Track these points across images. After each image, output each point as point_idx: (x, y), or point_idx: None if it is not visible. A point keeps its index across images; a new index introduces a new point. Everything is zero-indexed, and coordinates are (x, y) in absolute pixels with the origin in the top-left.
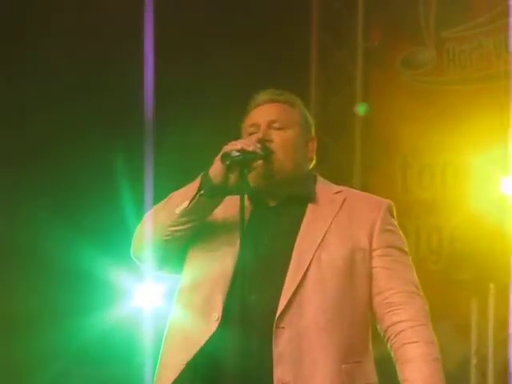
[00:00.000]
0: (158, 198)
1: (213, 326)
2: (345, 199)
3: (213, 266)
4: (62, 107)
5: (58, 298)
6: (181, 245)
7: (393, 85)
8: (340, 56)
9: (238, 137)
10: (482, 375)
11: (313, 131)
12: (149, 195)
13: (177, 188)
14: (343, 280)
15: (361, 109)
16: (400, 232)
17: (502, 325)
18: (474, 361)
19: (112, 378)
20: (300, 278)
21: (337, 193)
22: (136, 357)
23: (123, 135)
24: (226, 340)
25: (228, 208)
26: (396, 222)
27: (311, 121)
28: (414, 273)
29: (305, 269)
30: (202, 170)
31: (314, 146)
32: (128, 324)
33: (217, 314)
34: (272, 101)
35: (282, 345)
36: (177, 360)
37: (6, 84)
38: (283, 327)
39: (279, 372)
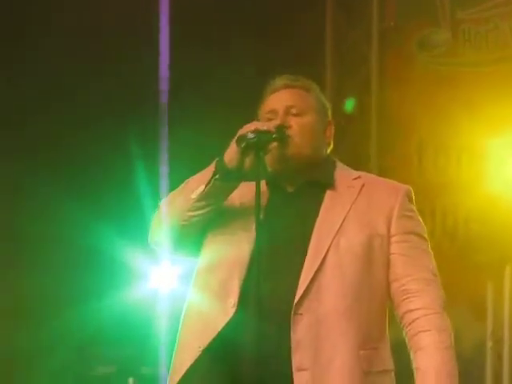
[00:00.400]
0: (172, 182)
1: (229, 311)
2: (363, 185)
3: (230, 251)
4: (75, 94)
5: (73, 279)
6: (198, 229)
7: (408, 66)
8: (355, 37)
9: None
10: (498, 357)
11: (330, 116)
12: (164, 178)
13: (191, 171)
14: (361, 266)
15: (348, 105)
16: (419, 218)
17: None
18: (489, 343)
19: (128, 360)
20: (318, 264)
21: (355, 178)
22: (151, 338)
23: (138, 120)
24: (242, 326)
25: (245, 193)
26: (415, 208)
27: (328, 105)
28: (433, 259)
29: (323, 255)
30: (216, 155)
31: (331, 130)
32: (144, 306)
33: (233, 300)
34: (288, 86)
35: (300, 331)
36: (193, 345)
37: (19, 73)
38: (301, 314)
39: (297, 358)
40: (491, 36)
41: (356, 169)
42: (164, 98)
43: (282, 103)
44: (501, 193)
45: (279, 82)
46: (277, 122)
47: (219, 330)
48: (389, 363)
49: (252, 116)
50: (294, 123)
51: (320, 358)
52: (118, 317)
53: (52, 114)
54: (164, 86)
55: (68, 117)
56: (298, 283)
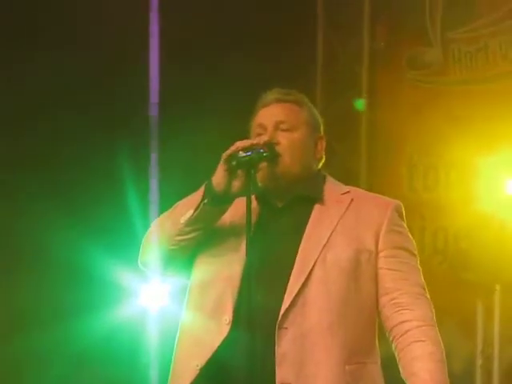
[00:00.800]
0: (163, 199)
1: (224, 329)
2: (352, 200)
3: (221, 269)
4: (64, 108)
5: (63, 297)
6: (188, 251)
7: (398, 85)
8: (346, 56)
9: (243, 137)
10: (488, 375)
11: (321, 130)
12: (154, 195)
13: (182, 188)
14: (348, 281)
15: (359, 104)
16: (408, 233)
17: (507, 325)
18: (479, 361)
19: (117, 378)
20: (304, 278)
21: (344, 193)
22: (141, 356)
23: (129, 135)
24: (235, 343)
25: (236, 211)
26: (404, 224)
27: (319, 119)
28: (421, 275)
29: (309, 269)
30: (208, 171)
31: (322, 145)
32: (134, 324)
33: (228, 318)
34: (279, 101)
35: (284, 345)
36: (191, 364)
37: (8, 85)
38: (286, 327)
39: (281, 373)
40: (481, 55)
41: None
42: (154, 111)
43: (272, 118)
44: (491, 211)
45: (271, 95)
46: (265, 137)
47: (216, 347)
48: (378, 379)
49: (242, 130)
50: (283, 139)
51: (304, 372)
52: (108, 335)
53: (41, 129)
54: (154, 99)
55: (57, 132)
56: (283, 297)
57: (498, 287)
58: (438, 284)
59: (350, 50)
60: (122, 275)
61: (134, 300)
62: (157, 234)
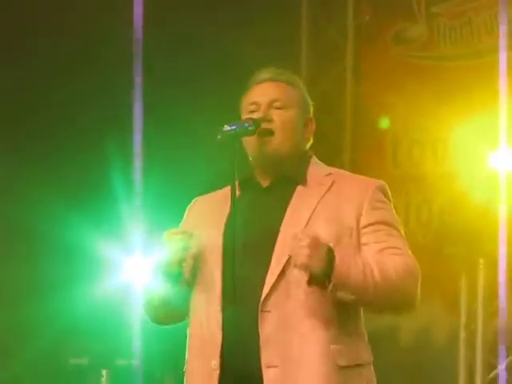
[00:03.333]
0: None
1: (219, 315)
2: (333, 182)
3: (204, 254)
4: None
5: (47, 271)
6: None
7: (384, 60)
8: (331, 31)
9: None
10: (471, 348)
11: (311, 112)
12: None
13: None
14: None
15: (383, 124)
16: (393, 211)
17: (490, 299)
18: (463, 334)
19: (102, 350)
20: (284, 261)
21: (327, 175)
22: (125, 329)
23: (115, 118)
24: (227, 323)
25: (206, 213)
26: (389, 202)
27: (310, 101)
28: (407, 246)
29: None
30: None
31: (312, 126)
32: (117, 297)
33: (218, 303)
34: (273, 79)
35: (268, 328)
36: (206, 366)
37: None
38: (269, 310)
39: (266, 355)
40: (466, 30)
41: (330, 162)
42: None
43: (266, 96)
44: (475, 185)
45: (264, 74)
46: (259, 114)
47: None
48: (365, 356)
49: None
50: (277, 117)
51: (289, 355)
52: (92, 308)
53: (39, 113)
54: (138, 86)
55: (49, 115)
56: (265, 279)
57: (481, 261)
58: (422, 258)
59: (335, 24)
60: (105, 249)
61: (118, 273)
62: (147, 314)
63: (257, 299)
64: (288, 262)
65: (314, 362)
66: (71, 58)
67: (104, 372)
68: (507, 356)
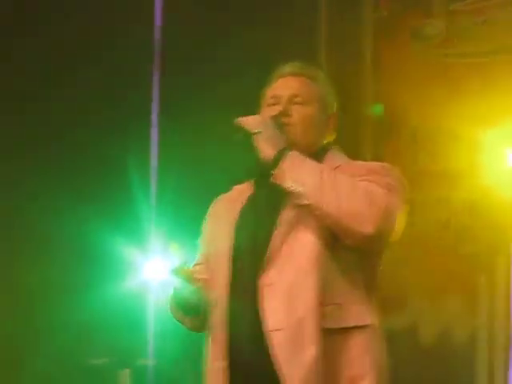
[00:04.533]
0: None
1: (224, 300)
2: (337, 167)
3: (216, 246)
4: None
5: (68, 271)
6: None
7: (402, 56)
8: (348, 27)
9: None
10: (490, 349)
11: (335, 107)
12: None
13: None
14: (324, 230)
15: (377, 109)
16: (395, 179)
17: (510, 298)
18: (482, 334)
19: (119, 350)
20: (283, 232)
21: (336, 168)
22: (143, 329)
23: (131, 116)
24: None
25: (231, 204)
26: (394, 179)
27: (334, 96)
28: (395, 197)
29: (288, 224)
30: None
31: (334, 122)
32: (135, 298)
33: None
34: (296, 74)
35: (271, 300)
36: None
37: (10, 71)
38: (271, 284)
39: (271, 322)
40: (485, 27)
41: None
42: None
43: (287, 91)
44: (494, 183)
45: (288, 68)
46: (279, 108)
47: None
48: (367, 318)
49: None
50: (296, 112)
51: (291, 318)
52: (111, 308)
53: (51, 109)
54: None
55: (63, 114)
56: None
57: (500, 259)
58: (441, 257)
59: (352, 20)
60: (124, 250)
61: (138, 274)
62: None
63: (258, 274)
64: (287, 233)
65: (315, 323)
66: (87, 54)
67: (124, 372)
68: None
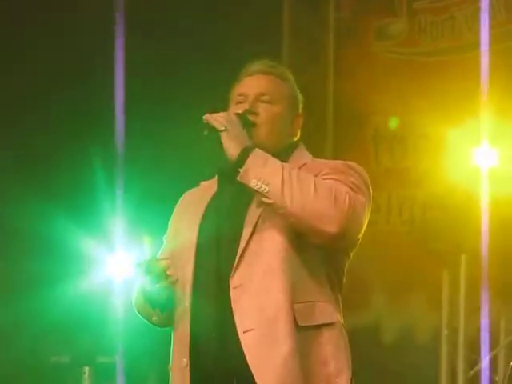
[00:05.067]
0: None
1: (187, 301)
2: (304, 165)
3: (181, 244)
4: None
5: (28, 267)
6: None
7: (365, 56)
8: (312, 27)
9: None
10: (453, 346)
11: (300, 108)
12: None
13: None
14: (291, 229)
15: (392, 123)
16: (358, 177)
17: (473, 296)
18: (445, 331)
19: (84, 348)
20: (250, 232)
21: (301, 166)
22: (107, 326)
23: (96, 115)
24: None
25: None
26: (358, 178)
27: (300, 97)
28: (358, 193)
29: (254, 224)
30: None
31: (299, 123)
32: (99, 294)
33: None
34: (264, 72)
35: (240, 301)
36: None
37: None
38: (241, 284)
39: (241, 322)
40: (447, 26)
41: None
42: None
43: (255, 89)
44: (458, 181)
45: (256, 66)
46: (245, 106)
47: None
48: (332, 317)
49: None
50: (263, 110)
51: (263, 317)
52: (73, 305)
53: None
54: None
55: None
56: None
57: (463, 257)
58: (405, 254)
59: (316, 19)
60: (88, 246)
61: (100, 270)
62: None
63: (228, 275)
64: (252, 233)
65: (286, 322)
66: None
67: (86, 369)
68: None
